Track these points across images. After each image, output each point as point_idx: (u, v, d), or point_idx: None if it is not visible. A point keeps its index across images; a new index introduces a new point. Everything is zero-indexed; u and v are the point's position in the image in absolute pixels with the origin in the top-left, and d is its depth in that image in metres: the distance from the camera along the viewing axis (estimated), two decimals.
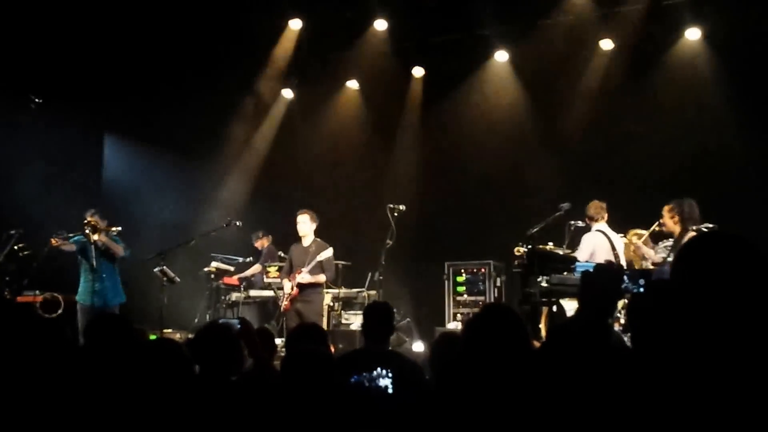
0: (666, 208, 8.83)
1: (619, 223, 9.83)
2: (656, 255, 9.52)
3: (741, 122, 10.98)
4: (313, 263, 10.31)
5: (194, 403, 3.58)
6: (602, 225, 9.67)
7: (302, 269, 10.33)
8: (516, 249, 9.78)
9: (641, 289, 3.16)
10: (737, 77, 10.99)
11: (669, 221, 8.80)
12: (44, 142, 12.47)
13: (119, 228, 10.43)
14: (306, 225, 10.58)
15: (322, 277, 10.48)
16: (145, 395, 3.54)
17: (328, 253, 10.43)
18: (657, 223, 8.98)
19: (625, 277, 6.40)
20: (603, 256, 9.33)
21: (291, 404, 1.82)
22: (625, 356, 3.04)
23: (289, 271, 10.65)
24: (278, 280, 11.72)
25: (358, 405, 4.65)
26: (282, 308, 10.57)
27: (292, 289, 10.38)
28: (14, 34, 11.25)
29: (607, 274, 2.98)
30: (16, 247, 10.29)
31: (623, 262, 9.47)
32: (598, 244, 9.48)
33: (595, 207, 9.70)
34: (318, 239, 10.61)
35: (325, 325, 10.72)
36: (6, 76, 11.76)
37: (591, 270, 3.38)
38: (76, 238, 10.29)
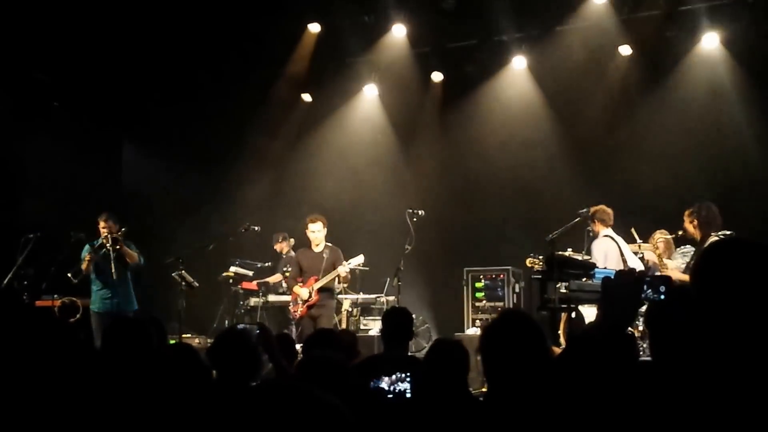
0: (686, 212, 8.81)
1: (638, 228, 9.80)
2: (672, 261, 9.49)
3: (758, 127, 10.98)
4: (350, 265, 10.41)
5: (212, 408, 3.54)
6: (609, 230, 9.69)
7: (345, 263, 10.40)
8: (528, 261, 9.77)
9: (662, 297, 3.09)
10: (754, 82, 11.02)
11: (689, 226, 8.77)
12: (64, 147, 12.55)
13: (124, 229, 10.45)
14: (321, 233, 10.62)
15: (348, 276, 10.63)
16: (161, 401, 3.54)
17: (359, 260, 10.58)
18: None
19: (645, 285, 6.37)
20: (613, 260, 9.37)
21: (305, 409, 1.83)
22: (644, 366, 2.98)
23: (298, 277, 10.68)
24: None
25: (377, 409, 4.66)
26: (298, 314, 10.56)
27: (310, 295, 10.40)
28: (35, 39, 11.33)
29: (627, 281, 2.94)
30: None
31: (633, 266, 9.47)
32: (609, 249, 9.49)
33: (604, 212, 9.73)
34: (329, 244, 10.65)
35: None
36: (26, 81, 11.86)
37: (611, 276, 3.37)
38: (95, 245, 10.32)
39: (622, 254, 9.53)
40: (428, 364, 4.92)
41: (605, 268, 9.14)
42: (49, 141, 12.47)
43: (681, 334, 2.86)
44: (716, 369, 2.35)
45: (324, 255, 10.51)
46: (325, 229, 10.67)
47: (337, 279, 10.51)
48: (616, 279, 2.94)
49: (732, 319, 2.40)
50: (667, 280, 2.99)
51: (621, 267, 9.34)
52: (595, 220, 9.73)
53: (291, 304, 10.83)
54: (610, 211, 9.71)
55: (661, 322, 3.32)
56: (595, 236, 9.81)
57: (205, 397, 3.62)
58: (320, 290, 10.44)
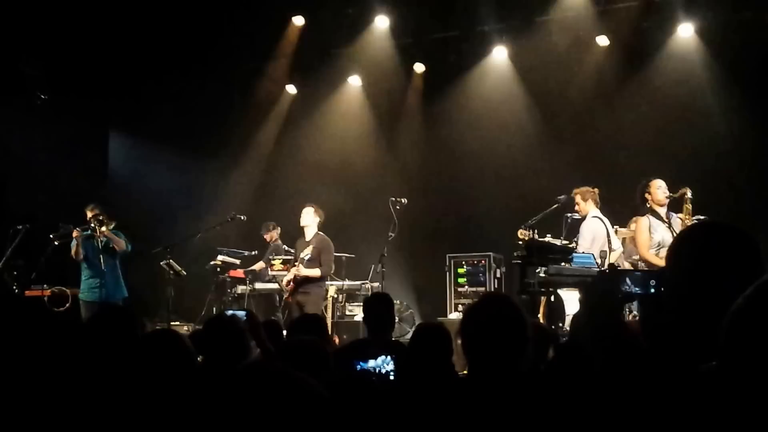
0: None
1: (616, 215, 9.99)
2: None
3: (730, 114, 11.22)
4: (306, 257, 10.46)
5: (197, 393, 3.51)
6: (598, 211, 9.75)
7: (296, 263, 10.48)
8: (519, 232, 9.89)
9: (652, 291, 3.08)
10: (727, 71, 11.23)
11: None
12: (50, 138, 12.62)
13: (114, 222, 10.57)
14: (308, 217, 10.68)
15: (317, 271, 10.61)
16: (145, 387, 3.58)
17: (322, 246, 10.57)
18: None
19: (629, 280, 6.40)
20: (600, 242, 9.50)
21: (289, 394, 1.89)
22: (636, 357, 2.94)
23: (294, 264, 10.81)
24: (283, 273, 11.90)
25: (362, 391, 4.79)
26: (285, 300, 10.69)
27: (289, 282, 10.56)
28: (21, 30, 11.42)
29: (603, 280, 3.03)
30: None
31: (616, 248, 9.64)
32: (598, 232, 9.57)
33: (593, 193, 9.80)
34: (320, 233, 10.74)
35: (329, 317, 10.86)
36: (12, 73, 11.94)
37: (590, 279, 3.44)
38: (85, 233, 10.45)
39: (608, 236, 9.68)
40: (413, 347, 5.08)
41: (587, 252, 9.33)
42: (36, 133, 12.53)
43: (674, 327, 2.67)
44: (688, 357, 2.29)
45: (311, 243, 10.60)
46: (317, 218, 10.72)
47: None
48: (594, 281, 3.00)
49: (705, 303, 2.36)
50: (658, 274, 3.00)
51: (606, 250, 9.50)
52: (587, 199, 9.76)
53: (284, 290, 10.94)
54: (596, 190, 9.82)
55: (654, 318, 3.29)
56: (582, 217, 9.82)
57: (191, 381, 3.66)
58: (299, 278, 10.52)
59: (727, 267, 2.39)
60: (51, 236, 10.44)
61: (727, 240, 2.46)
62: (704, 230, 2.64)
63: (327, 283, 11.14)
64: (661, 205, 9.04)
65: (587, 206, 9.81)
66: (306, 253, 10.47)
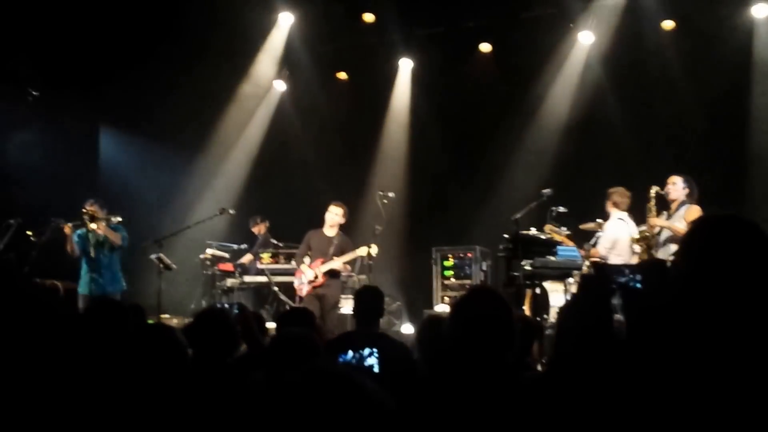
0: (677, 177, 9.15)
1: (597, 210, 10.11)
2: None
3: (713, 109, 11.40)
4: (350, 255, 10.48)
5: (189, 385, 3.65)
6: (623, 214, 9.54)
7: (336, 258, 10.41)
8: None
9: (637, 285, 3.08)
10: (708, 66, 11.38)
11: (674, 188, 9.12)
12: (41, 134, 12.66)
13: (119, 218, 10.61)
14: (338, 218, 10.56)
15: (348, 267, 10.75)
16: (138, 379, 3.59)
17: (363, 252, 10.57)
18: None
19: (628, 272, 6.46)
20: (623, 245, 9.33)
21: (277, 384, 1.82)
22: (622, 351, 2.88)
23: (305, 256, 10.72)
24: (272, 266, 11.99)
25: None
26: (304, 293, 10.68)
27: (316, 276, 10.58)
28: (11, 27, 11.45)
29: (593, 280, 3.11)
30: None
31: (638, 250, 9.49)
32: (620, 235, 9.38)
33: (619, 194, 9.58)
34: (341, 233, 10.75)
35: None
36: (3, 71, 11.97)
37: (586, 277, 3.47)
38: (78, 232, 10.48)
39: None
40: (421, 339, 5.16)
41: (607, 253, 9.35)
42: (27, 129, 12.55)
43: (659, 320, 2.62)
44: (705, 351, 2.28)
45: (334, 241, 10.52)
46: (344, 219, 10.67)
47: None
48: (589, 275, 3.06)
49: (728, 300, 2.32)
50: (642, 269, 2.98)
51: (628, 251, 9.36)
52: (610, 200, 9.61)
53: (295, 281, 10.85)
54: (627, 193, 9.56)
55: (637, 311, 3.30)
56: (607, 217, 9.74)
57: (182, 374, 3.71)
58: (327, 272, 10.53)
59: (737, 258, 2.37)
60: (64, 229, 10.43)
61: (736, 232, 2.43)
62: (713, 223, 2.57)
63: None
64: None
65: (609, 207, 9.67)
66: (350, 254, 10.50)
